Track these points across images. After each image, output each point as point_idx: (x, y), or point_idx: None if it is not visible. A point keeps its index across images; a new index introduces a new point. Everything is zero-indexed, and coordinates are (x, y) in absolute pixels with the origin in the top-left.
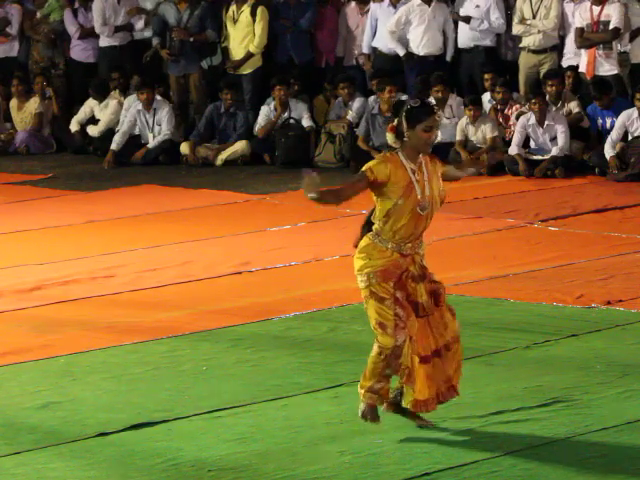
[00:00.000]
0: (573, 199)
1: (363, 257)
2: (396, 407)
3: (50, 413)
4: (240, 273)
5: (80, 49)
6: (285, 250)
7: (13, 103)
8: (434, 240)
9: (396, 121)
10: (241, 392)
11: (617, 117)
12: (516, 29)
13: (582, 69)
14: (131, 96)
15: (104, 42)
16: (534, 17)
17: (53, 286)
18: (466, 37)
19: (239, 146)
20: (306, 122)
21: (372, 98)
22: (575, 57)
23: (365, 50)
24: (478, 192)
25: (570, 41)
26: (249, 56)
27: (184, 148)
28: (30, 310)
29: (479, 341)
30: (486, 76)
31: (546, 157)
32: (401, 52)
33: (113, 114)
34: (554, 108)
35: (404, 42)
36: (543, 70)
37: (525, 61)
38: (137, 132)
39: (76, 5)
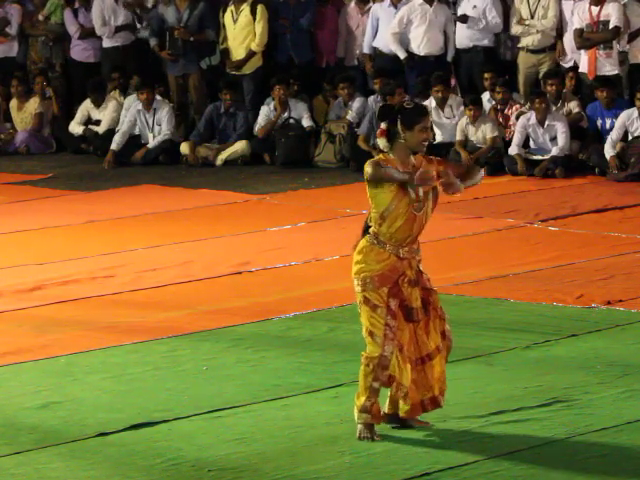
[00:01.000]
0: (573, 199)
1: (360, 260)
2: (391, 418)
3: (50, 413)
4: (240, 273)
5: (80, 49)
6: (285, 250)
7: (13, 103)
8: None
9: (384, 125)
10: (241, 392)
11: (617, 117)
12: (515, 29)
13: (583, 69)
14: (131, 96)
15: (107, 43)
16: (532, 17)
17: (53, 286)
18: (464, 37)
19: (239, 146)
20: (306, 122)
21: (372, 98)
22: (574, 56)
23: (366, 50)
24: (478, 192)
25: (568, 40)
26: (251, 55)
27: (184, 148)
28: (30, 310)
29: (479, 341)
30: (486, 75)
31: (546, 157)
32: (402, 55)
33: (114, 112)
34: (554, 108)
35: (405, 43)
36: (542, 70)
37: (524, 61)
38: (137, 132)
39: (76, 5)
